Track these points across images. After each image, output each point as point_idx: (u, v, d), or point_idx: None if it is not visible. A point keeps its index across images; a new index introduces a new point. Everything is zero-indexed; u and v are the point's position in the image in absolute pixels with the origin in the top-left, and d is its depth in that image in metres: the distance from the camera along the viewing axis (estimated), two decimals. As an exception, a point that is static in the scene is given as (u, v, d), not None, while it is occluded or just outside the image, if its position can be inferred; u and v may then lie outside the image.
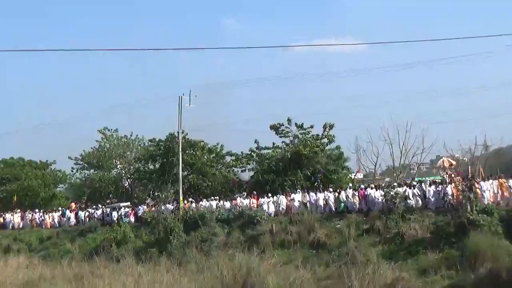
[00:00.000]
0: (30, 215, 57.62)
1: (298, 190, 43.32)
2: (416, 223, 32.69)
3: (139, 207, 50.09)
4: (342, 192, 39.42)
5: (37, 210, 60.69)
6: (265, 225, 38.19)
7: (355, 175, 54.48)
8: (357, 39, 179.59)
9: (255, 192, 44.55)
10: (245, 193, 48.17)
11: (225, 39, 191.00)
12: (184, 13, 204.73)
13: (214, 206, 43.99)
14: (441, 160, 43.45)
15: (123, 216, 48.44)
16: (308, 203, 39.95)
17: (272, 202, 41.62)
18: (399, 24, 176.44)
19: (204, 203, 45.46)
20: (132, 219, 48.17)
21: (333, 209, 38.65)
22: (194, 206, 45.56)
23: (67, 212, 54.89)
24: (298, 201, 40.67)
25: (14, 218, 58.31)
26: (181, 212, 43.86)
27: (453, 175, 35.59)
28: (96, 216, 51.32)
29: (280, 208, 40.99)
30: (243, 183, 55.24)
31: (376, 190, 38.19)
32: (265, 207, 41.36)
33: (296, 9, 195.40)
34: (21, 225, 56.90)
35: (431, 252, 28.78)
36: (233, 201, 43.62)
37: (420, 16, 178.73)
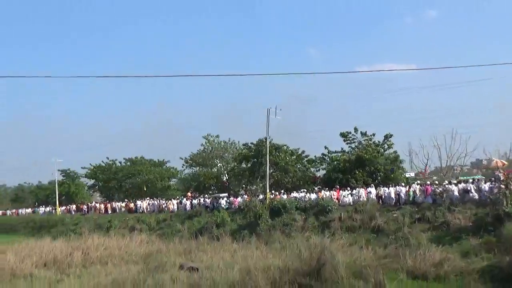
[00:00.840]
0: (155, 202, 59.48)
1: (371, 184, 43.23)
2: (459, 213, 32.10)
3: (234, 198, 50.54)
4: (413, 186, 39.18)
5: (159, 198, 62.70)
6: (335, 213, 38.13)
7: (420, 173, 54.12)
8: (410, 62, 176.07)
9: (337, 186, 44.44)
10: (319, 187, 48.31)
11: (307, 64, 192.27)
12: (280, 44, 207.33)
13: (298, 196, 44.12)
14: (494, 161, 42.85)
15: (221, 204, 49.07)
16: (382, 196, 39.62)
17: (351, 195, 41.32)
18: (451, 48, 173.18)
19: (284, 195, 45.93)
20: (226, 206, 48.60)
21: (403, 200, 38.12)
22: (279, 197, 45.82)
23: (184, 200, 56.12)
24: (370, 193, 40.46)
25: (143, 204, 60.36)
26: (267, 202, 44.16)
27: (505, 173, 35.15)
28: (202, 203, 52.18)
29: (361, 199, 40.27)
30: (317, 180, 55.38)
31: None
32: (346, 199, 41.18)
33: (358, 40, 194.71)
34: (147, 210, 58.62)
35: (472, 238, 28.09)
36: (318, 193, 43.26)
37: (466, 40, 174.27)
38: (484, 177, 41.47)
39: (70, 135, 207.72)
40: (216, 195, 56.16)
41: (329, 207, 39.12)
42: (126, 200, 68.93)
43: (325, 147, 53.06)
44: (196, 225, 45.44)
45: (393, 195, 39.15)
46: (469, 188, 35.65)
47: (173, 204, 56.08)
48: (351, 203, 40.38)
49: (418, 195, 37.44)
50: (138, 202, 61.46)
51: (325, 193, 42.84)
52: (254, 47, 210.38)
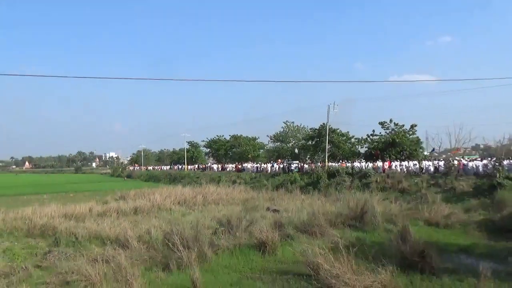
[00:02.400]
0: (256, 165, 61.11)
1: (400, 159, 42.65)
2: (463, 182, 31.02)
3: (303, 164, 50.61)
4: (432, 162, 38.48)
5: (259, 162, 64.39)
6: (373, 177, 37.59)
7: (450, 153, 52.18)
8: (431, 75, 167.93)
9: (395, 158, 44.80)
10: (363, 160, 47.80)
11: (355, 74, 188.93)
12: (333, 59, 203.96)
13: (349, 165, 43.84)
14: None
15: (294, 169, 49.29)
16: (408, 167, 38.86)
17: (395, 166, 40.54)
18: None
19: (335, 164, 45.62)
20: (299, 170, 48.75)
21: (423, 171, 37.12)
22: (333, 165, 45.67)
23: (275, 164, 56.83)
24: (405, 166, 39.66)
25: (248, 165, 61.75)
26: (326, 167, 44.05)
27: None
28: (278, 166, 52.72)
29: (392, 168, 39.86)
30: (361, 154, 54.62)
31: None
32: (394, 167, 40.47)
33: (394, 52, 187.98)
34: (250, 170, 59.63)
35: (472, 199, 27.16)
36: (378, 163, 42.84)
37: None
38: (479, 157, 40.00)
39: (193, 117, 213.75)
40: (290, 161, 56.44)
41: (369, 173, 38.65)
42: (234, 163, 71.00)
43: (373, 131, 52.14)
44: (276, 182, 45.75)
45: (414, 167, 38.22)
46: (471, 164, 34.44)
47: (267, 167, 56.84)
48: (385, 171, 39.73)
49: (433, 168, 36.37)
50: (245, 164, 62.78)
51: (367, 164, 42.39)
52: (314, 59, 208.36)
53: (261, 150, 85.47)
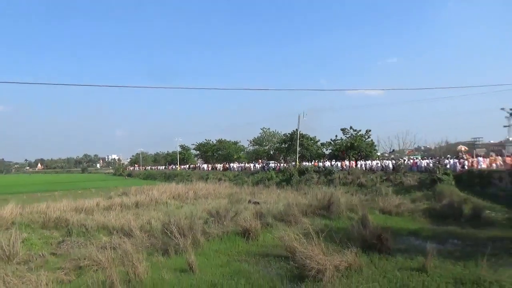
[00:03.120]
0: (241, 165, 60.77)
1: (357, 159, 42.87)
2: (410, 177, 31.50)
3: (279, 164, 50.61)
4: (384, 161, 38.82)
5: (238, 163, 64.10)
6: (336, 174, 37.88)
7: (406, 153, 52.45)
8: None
9: (354, 158, 44.60)
10: (327, 160, 48.07)
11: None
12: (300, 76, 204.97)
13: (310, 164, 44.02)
14: (460, 147, 42.23)
15: (271, 167, 49.30)
16: (365, 165, 39.16)
17: (360, 165, 40.76)
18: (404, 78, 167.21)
19: (307, 163, 45.77)
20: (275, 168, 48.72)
21: (376, 168, 37.56)
22: (303, 164, 45.82)
23: (256, 164, 56.64)
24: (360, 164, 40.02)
25: (234, 165, 61.25)
26: (297, 166, 44.19)
27: (465, 155, 34.71)
28: (259, 166, 52.69)
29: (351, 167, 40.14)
30: (325, 155, 55.03)
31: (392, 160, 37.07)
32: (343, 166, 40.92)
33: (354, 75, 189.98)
34: (236, 169, 58.94)
35: (418, 192, 27.67)
36: (341, 162, 42.88)
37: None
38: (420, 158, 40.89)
39: (184, 124, 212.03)
40: (267, 161, 56.43)
41: (333, 170, 38.93)
42: (221, 163, 70.68)
43: (336, 136, 52.50)
44: (256, 178, 45.59)
45: (376, 166, 38.74)
46: (416, 162, 35.05)
47: (244, 167, 56.54)
48: (345, 169, 40.14)
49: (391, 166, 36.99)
50: (231, 164, 62.14)
51: (330, 163, 42.70)
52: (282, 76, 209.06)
53: (242, 152, 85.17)
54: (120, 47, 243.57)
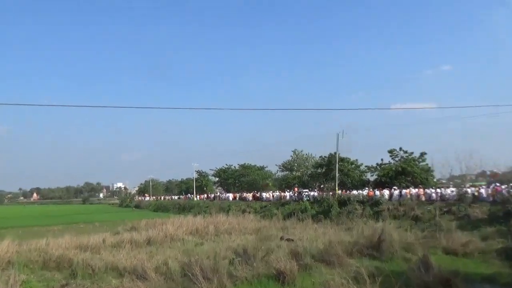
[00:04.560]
0: (277, 193, 59.80)
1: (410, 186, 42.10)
2: (477, 209, 30.51)
3: (313, 192, 50.29)
4: (443, 189, 37.89)
5: (278, 191, 63.91)
6: (385, 205, 37.18)
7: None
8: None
9: (395, 187, 43.48)
10: (371, 188, 47.49)
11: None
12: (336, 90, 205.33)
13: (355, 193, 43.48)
14: None
15: (304, 196, 48.92)
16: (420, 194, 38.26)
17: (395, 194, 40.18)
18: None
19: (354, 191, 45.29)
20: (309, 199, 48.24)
21: (434, 198, 36.62)
22: (344, 192, 45.34)
23: (291, 192, 56.10)
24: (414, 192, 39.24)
25: (266, 194, 59.93)
26: (336, 196, 43.70)
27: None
28: (291, 195, 52.46)
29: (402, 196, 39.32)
30: (370, 182, 54.42)
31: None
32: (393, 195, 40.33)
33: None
34: (271, 198, 57.57)
35: (488, 227, 26.60)
36: (390, 190, 42.12)
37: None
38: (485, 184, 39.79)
39: (203, 146, 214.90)
40: (301, 190, 56.13)
41: (380, 201, 38.26)
42: (241, 192, 70.75)
43: (381, 159, 52.29)
44: (287, 210, 45.23)
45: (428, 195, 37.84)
46: (482, 191, 34.05)
47: (273, 195, 56.19)
48: (396, 199, 39.35)
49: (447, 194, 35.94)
50: (264, 194, 61.51)
51: (377, 191, 42.05)
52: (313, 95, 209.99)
53: (269, 179, 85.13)
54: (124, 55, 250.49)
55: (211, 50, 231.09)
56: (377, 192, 41.65)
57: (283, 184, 72.06)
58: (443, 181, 49.91)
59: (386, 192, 41.32)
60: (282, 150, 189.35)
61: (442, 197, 35.92)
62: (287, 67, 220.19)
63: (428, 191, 38.87)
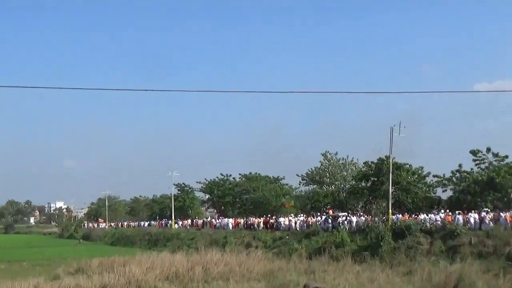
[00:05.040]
0: (290, 220, 59.28)
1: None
2: None
3: (353, 217, 50.22)
4: None
5: (274, 217, 63.46)
6: (464, 237, 37.08)
7: None
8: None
9: (487, 209, 43.15)
10: (443, 210, 47.38)
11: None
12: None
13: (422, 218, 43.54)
14: None
15: (341, 224, 48.82)
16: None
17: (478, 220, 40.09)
18: None
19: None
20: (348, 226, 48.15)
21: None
22: (405, 218, 45.28)
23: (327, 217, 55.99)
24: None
25: (286, 220, 59.14)
26: (390, 223, 43.62)
27: None
28: (319, 222, 52.24)
29: (491, 224, 39.05)
30: (442, 201, 54.25)
31: None
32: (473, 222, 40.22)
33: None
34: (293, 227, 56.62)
35: None
36: (446, 216, 42.39)
37: None
38: None
39: (185, 148, 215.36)
40: (335, 214, 55.97)
41: (458, 230, 38.11)
42: (245, 216, 70.78)
43: (459, 166, 52.17)
44: (314, 245, 45.28)
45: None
46: None
47: (313, 222, 55.31)
48: (481, 227, 39.23)
49: None
50: (281, 219, 60.81)
51: (452, 216, 41.90)
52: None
53: (288, 196, 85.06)
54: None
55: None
56: (459, 217, 41.47)
57: (309, 204, 72.06)
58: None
59: (474, 216, 41.09)
60: (307, 153, 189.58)
61: None
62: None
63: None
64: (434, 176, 56.99)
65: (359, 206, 60.99)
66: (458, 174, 52.16)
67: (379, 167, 55.94)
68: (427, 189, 57.16)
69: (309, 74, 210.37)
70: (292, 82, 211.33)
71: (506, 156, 49.36)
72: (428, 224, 41.44)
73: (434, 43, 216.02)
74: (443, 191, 55.45)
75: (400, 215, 46.39)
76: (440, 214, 44.03)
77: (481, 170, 49.39)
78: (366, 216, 49.89)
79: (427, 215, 44.53)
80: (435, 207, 52.75)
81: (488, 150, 49.46)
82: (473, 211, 42.38)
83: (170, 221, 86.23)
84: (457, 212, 43.54)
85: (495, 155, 49.36)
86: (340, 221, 49.71)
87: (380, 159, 56.47)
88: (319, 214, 58.85)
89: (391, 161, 49.82)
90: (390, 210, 46.60)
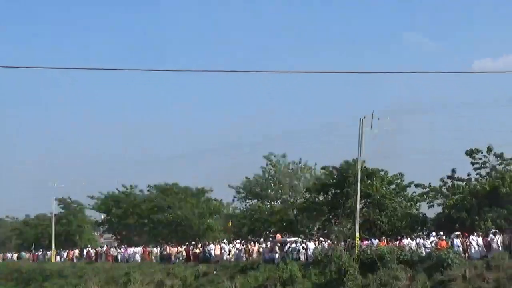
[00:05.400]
0: (191, 248, 59.58)
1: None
2: None
3: (308, 243, 50.08)
4: None
5: (193, 242, 62.70)
6: (457, 269, 37.37)
7: None
8: None
9: (495, 230, 43.08)
10: (429, 232, 47.74)
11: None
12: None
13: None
14: None
15: (290, 253, 48.72)
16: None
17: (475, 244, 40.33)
18: None
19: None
20: (300, 256, 48.12)
21: None
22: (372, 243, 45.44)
23: (228, 246, 55.77)
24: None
25: (217, 247, 58.53)
26: (357, 251, 43.69)
27: None
28: (260, 251, 51.99)
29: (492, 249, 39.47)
30: (427, 220, 54.61)
31: None
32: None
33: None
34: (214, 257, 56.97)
35: None
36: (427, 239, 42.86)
37: None
38: None
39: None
40: (282, 239, 55.81)
41: (449, 260, 38.37)
42: (153, 243, 69.92)
43: (452, 171, 52.78)
44: (252, 283, 45.50)
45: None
46: None
47: (214, 250, 56.16)
48: (478, 254, 39.76)
49: None
50: (209, 247, 59.66)
51: (448, 240, 42.23)
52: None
53: (216, 216, 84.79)
54: None
55: None
56: (457, 241, 41.71)
57: (246, 226, 71.78)
58: None
59: (477, 240, 41.27)
60: (246, 155, 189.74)
61: None
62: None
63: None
64: (417, 185, 57.23)
65: (315, 228, 60.96)
66: (450, 183, 52.25)
67: (344, 174, 55.99)
68: (409, 204, 57.31)
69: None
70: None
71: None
72: (408, 252, 41.60)
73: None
74: (429, 207, 55.72)
75: (376, 240, 46.50)
76: (432, 238, 44.14)
77: (480, 177, 49.81)
78: (324, 241, 49.83)
79: (413, 240, 44.79)
80: (418, 228, 53.08)
81: (489, 150, 49.91)
82: (475, 234, 42.32)
83: (49, 252, 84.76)
84: (453, 234, 43.51)
85: (499, 156, 49.80)
86: (290, 249, 49.63)
87: (345, 163, 56.75)
88: (262, 239, 58.64)
89: (359, 166, 49.90)
90: (357, 233, 46.72)
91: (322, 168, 62.64)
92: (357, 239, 45.77)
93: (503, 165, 50.17)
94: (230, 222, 79.28)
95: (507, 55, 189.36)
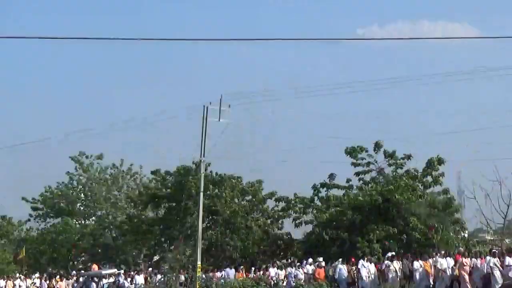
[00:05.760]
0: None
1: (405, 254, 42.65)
2: None
3: (136, 276, 49.79)
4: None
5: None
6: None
7: None
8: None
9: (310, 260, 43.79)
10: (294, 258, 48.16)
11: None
12: None
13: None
14: None
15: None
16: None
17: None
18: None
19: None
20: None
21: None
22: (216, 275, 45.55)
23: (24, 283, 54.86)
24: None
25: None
26: (198, 285, 43.54)
27: None
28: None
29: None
30: (294, 243, 55.04)
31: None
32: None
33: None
34: None
35: None
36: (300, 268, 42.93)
37: None
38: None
39: None
40: (96, 272, 55.20)
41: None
42: None
43: (330, 176, 53.14)
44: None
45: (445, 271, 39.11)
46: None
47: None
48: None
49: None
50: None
51: (329, 269, 42.58)
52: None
53: (3, 240, 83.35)
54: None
55: None
56: (342, 268, 42.04)
57: (48, 255, 70.80)
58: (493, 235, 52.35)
59: (368, 267, 41.68)
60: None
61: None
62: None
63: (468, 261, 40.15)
64: (278, 200, 57.75)
65: (142, 256, 60.63)
66: (324, 193, 52.69)
67: (182, 181, 55.85)
68: (269, 221, 57.57)
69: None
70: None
71: (409, 156, 51.14)
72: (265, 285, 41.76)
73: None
74: (296, 226, 55.95)
75: (233, 271, 46.33)
76: (307, 266, 44.28)
77: (364, 184, 50.52)
78: (154, 273, 49.45)
79: (283, 269, 45.13)
80: (281, 253, 53.47)
81: (378, 146, 50.62)
82: (365, 258, 42.65)
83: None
84: (338, 261, 43.78)
85: (390, 155, 50.63)
86: (108, 286, 49.18)
87: (183, 167, 56.79)
88: (73, 273, 57.96)
89: (202, 170, 49.70)
90: (199, 262, 46.60)
91: (152, 173, 62.10)
92: (199, 269, 45.64)
93: (394, 166, 51.16)
94: (23, 250, 78.06)
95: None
